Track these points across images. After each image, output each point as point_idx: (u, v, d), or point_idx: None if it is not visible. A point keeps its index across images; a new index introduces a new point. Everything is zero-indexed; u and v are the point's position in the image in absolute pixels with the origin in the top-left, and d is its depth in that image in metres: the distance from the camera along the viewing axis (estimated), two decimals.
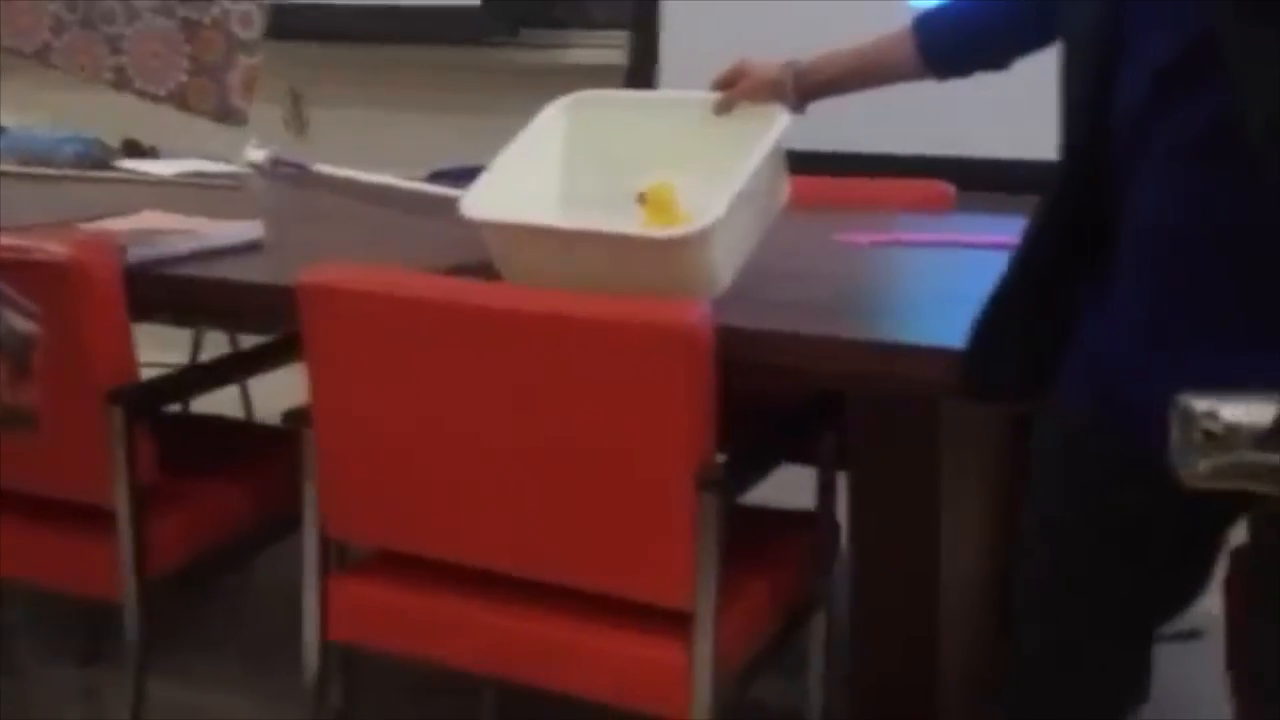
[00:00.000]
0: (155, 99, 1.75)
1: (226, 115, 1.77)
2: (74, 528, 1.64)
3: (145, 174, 2.52)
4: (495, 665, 1.44)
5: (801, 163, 1.56)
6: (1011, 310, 1.17)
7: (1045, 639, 1.18)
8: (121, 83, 1.74)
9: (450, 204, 1.53)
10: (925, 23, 1.42)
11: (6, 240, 1.56)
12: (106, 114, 2.95)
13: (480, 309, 1.34)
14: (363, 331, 1.40)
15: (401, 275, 1.40)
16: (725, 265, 1.40)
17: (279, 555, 1.81)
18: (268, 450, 1.86)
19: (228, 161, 2.51)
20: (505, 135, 1.54)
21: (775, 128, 1.44)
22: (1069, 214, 1.14)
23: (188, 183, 2.44)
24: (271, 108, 3.20)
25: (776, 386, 1.67)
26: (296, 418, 1.48)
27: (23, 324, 1.40)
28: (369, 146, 2.85)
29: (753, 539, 1.49)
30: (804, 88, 1.48)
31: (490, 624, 1.44)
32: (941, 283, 1.61)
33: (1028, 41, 1.33)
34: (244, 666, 2.11)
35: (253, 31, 1.71)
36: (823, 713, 1.60)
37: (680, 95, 1.59)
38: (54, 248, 1.54)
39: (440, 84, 3.42)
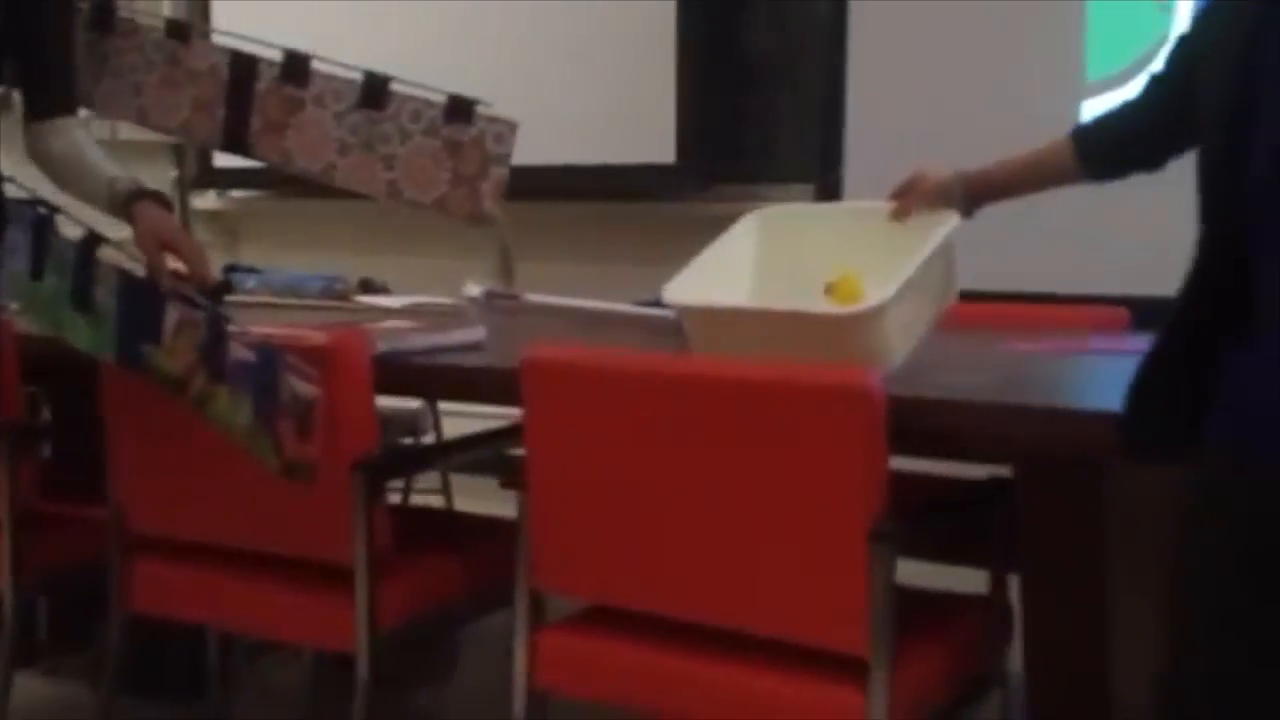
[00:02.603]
0: (421, 206, 2.05)
1: (479, 218, 2.04)
2: (309, 586, 1.85)
3: (379, 305, 2.86)
4: (687, 708, 1.55)
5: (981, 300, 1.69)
6: (1165, 369, 1.26)
7: (1207, 671, 1.21)
8: (392, 194, 2.05)
9: (653, 323, 1.74)
10: (1083, 130, 1.58)
11: (282, 330, 1.85)
12: (335, 264, 3.35)
13: (677, 376, 1.52)
14: (575, 401, 1.60)
15: (609, 351, 1.60)
16: (897, 345, 1.54)
17: (485, 622, 1.99)
18: (475, 536, 2.06)
19: (448, 297, 2.84)
20: None
21: (946, 226, 1.60)
22: (1213, 279, 1.24)
23: (415, 311, 2.76)
24: (482, 262, 3.56)
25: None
26: (513, 481, 1.67)
27: (304, 388, 1.67)
28: (570, 294, 3.14)
29: (928, 615, 1.58)
30: (973, 193, 1.64)
31: (682, 670, 1.56)
32: (1108, 376, 1.69)
33: (1178, 140, 1.45)
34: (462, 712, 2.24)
35: (504, 148, 1.99)
36: None
37: (860, 205, 1.77)
38: (317, 336, 1.82)
39: (637, 237, 3.72)
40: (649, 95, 3.53)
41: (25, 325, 2.00)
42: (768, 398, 1.45)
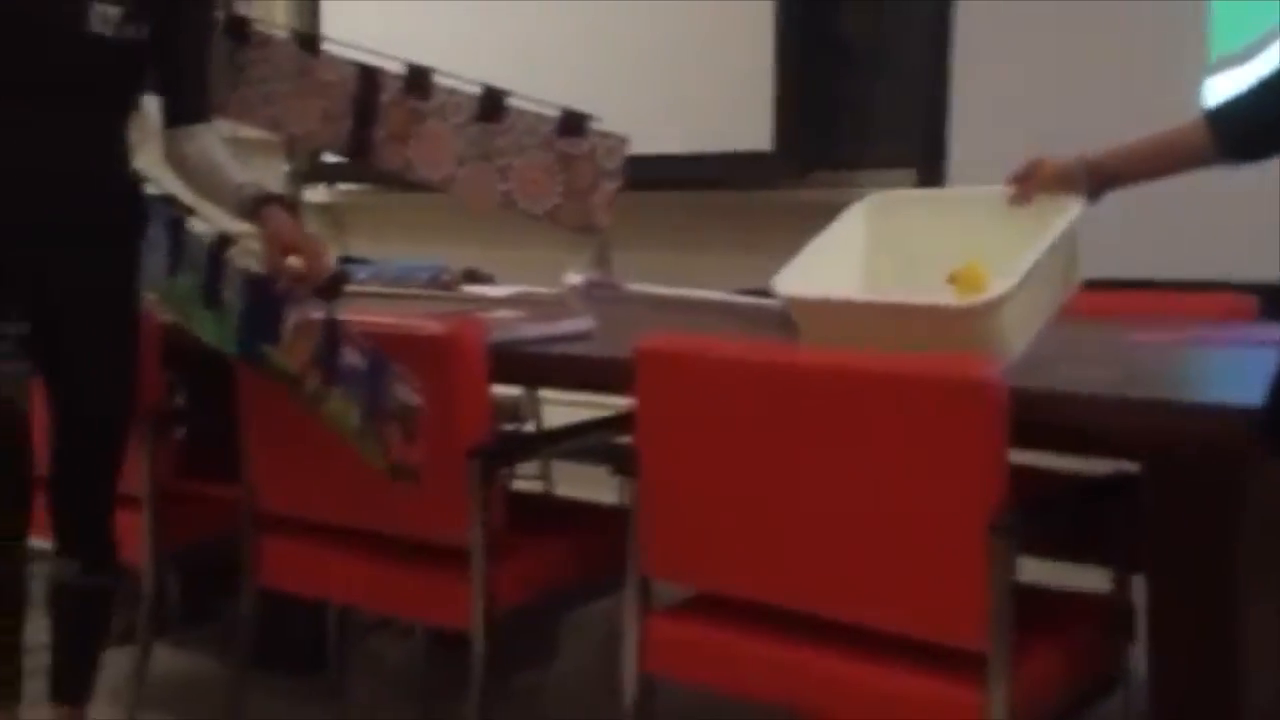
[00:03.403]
0: (534, 217, 2.10)
1: (590, 230, 2.10)
2: (427, 566, 1.91)
3: (485, 295, 2.92)
4: (796, 698, 1.56)
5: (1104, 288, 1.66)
6: None
7: None
8: (506, 204, 2.11)
9: (755, 312, 1.74)
10: (1219, 111, 1.53)
11: (400, 320, 1.91)
12: (435, 254, 3.43)
13: (794, 366, 1.53)
14: (689, 389, 1.61)
15: (724, 341, 1.62)
16: (1017, 336, 1.52)
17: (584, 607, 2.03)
18: (583, 522, 2.10)
19: (551, 288, 2.89)
20: None
21: (1069, 213, 1.57)
22: None
23: (519, 300, 2.81)
24: (579, 252, 3.60)
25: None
26: (624, 468, 1.70)
27: (410, 397, 1.74)
28: (667, 283, 3.15)
29: (1048, 612, 1.57)
30: (1097, 179, 1.60)
31: (793, 660, 1.56)
32: (1238, 367, 1.65)
33: None
34: (565, 693, 2.28)
35: (615, 162, 2.03)
36: None
37: (975, 191, 1.75)
38: (435, 326, 1.87)
39: (734, 226, 3.72)
40: (746, 82, 3.52)
41: (161, 315, 2.09)
42: (886, 389, 1.45)
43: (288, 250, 1.85)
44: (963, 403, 1.40)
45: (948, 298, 1.54)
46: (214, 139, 1.96)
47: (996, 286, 1.47)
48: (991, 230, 1.65)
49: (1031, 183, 1.64)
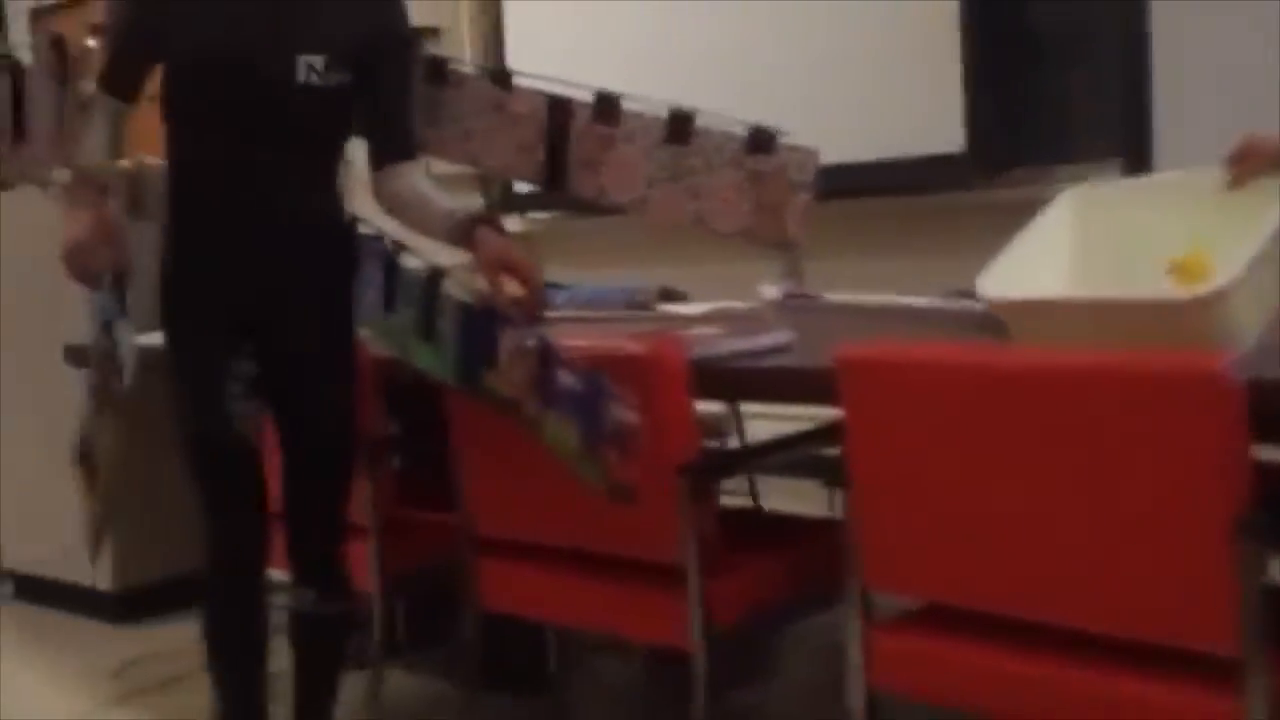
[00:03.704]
0: (726, 235, 2.11)
1: (785, 244, 2.09)
2: (644, 585, 1.93)
3: (681, 313, 2.95)
4: (1034, 713, 1.50)
5: None
6: None
7: None
8: (698, 223, 2.12)
9: (957, 317, 1.70)
10: None
11: (602, 342, 1.95)
12: (626, 276, 3.48)
13: (1010, 368, 1.48)
14: (898, 397, 1.59)
15: (934, 346, 1.58)
16: (1249, 325, 1.43)
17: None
18: (796, 536, 2.09)
19: (745, 302, 2.90)
20: None
21: None
22: None
23: (715, 316, 2.83)
24: (768, 264, 3.59)
25: None
26: (837, 480, 1.68)
27: (627, 415, 1.75)
28: (861, 291, 3.10)
29: None
30: None
31: (1029, 672, 1.51)
32: None
33: None
34: (787, 709, 2.28)
35: (806, 175, 2.02)
36: None
37: (1184, 176, 1.66)
38: (636, 346, 1.90)
39: (929, 230, 3.63)
40: (932, 83, 3.44)
41: (377, 349, 2.20)
42: (1113, 387, 1.39)
43: (503, 270, 1.88)
44: (1194, 399, 1.33)
45: (1169, 290, 1.46)
46: (420, 174, 2.04)
47: (1223, 274, 1.38)
48: (1209, 216, 1.57)
49: (1249, 163, 1.55)
